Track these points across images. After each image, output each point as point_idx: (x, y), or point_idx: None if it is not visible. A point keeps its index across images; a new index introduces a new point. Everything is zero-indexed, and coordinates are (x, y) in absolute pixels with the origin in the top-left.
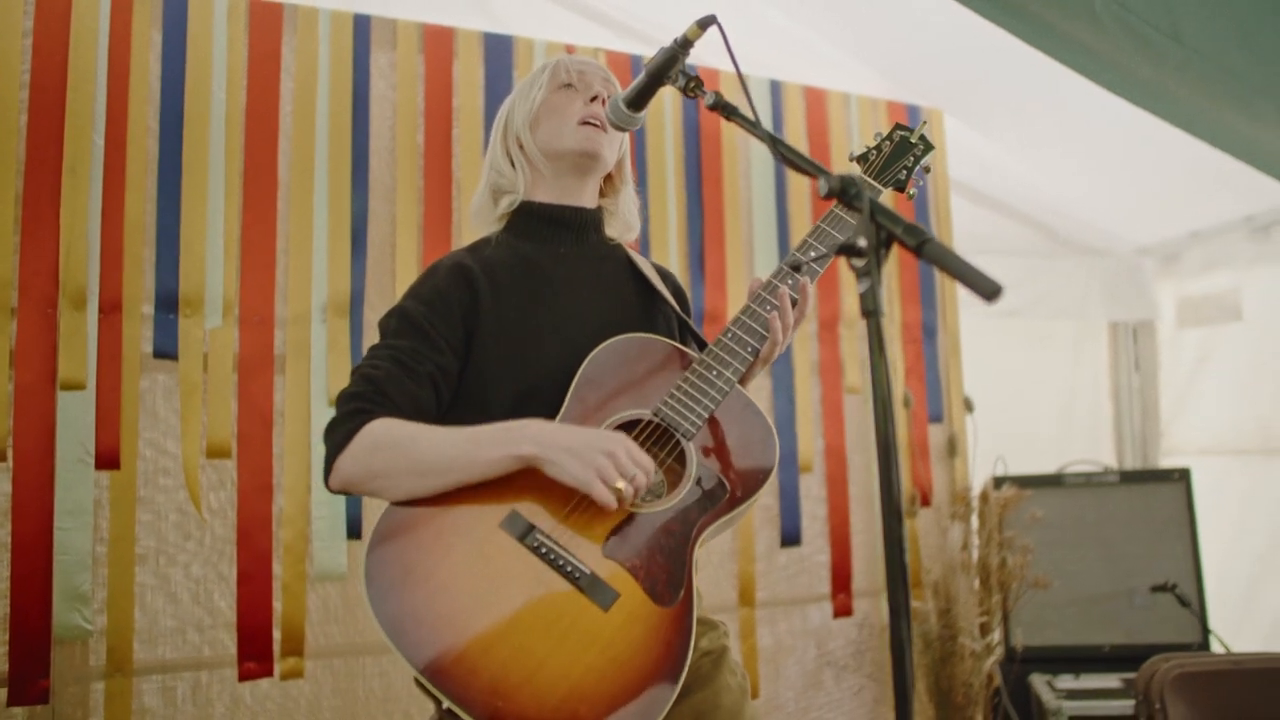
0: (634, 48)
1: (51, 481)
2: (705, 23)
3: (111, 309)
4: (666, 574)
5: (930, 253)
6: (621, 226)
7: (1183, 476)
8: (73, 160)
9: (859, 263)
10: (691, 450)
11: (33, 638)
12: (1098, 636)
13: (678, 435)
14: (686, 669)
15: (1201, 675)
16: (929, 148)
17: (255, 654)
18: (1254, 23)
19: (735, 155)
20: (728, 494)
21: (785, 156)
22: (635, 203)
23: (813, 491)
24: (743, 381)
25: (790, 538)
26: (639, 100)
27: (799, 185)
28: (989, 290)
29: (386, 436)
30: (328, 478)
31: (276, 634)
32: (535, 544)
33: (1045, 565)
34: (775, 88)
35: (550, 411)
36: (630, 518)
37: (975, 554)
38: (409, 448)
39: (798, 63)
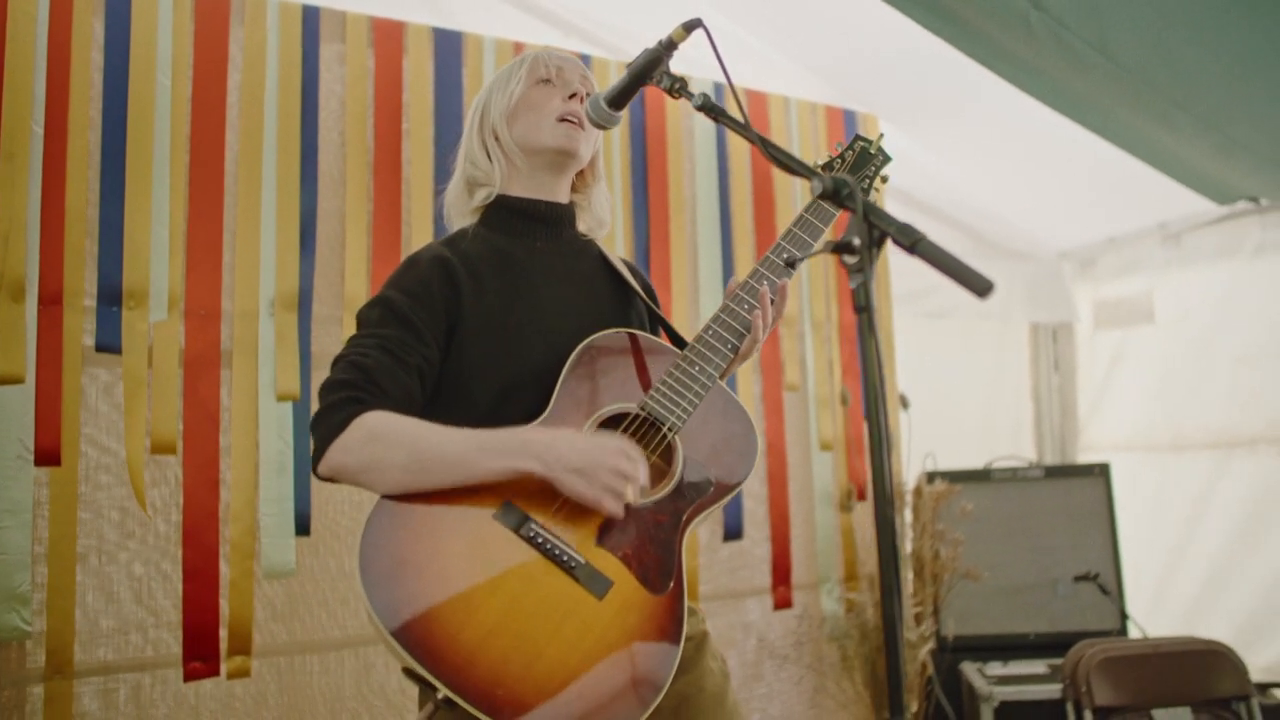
0: (582, 47)
1: None
2: (690, 25)
3: (51, 301)
4: (658, 563)
5: (924, 251)
6: (594, 222)
7: (1103, 471)
8: (10, 148)
9: (851, 260)
10: (678, 443)
11: None
12: (1024, 625)
13: (664, 428)
14: (679, 655)
15: (1123, 659)
16: (887, 159)
17: (201, 654)
18: (1175, 41)
19: (680, 154)
20: (713, 485)
21: (776, 158)
22: (608, 199)
23: (753, 488)
24: (721, 377)
25: (732, 532)
26: (620, 99)
27: (740, 185)
28: (982, 287)
29: (384, 430)
30: (316, 464)
31: (223, 633)
32: (530, 534)
33: (975, 557)
34: (718, 90)
35: (533, 406)
36: (624, 509)
37: (909, 546)
38: (407, 443)
39: (740, 66)
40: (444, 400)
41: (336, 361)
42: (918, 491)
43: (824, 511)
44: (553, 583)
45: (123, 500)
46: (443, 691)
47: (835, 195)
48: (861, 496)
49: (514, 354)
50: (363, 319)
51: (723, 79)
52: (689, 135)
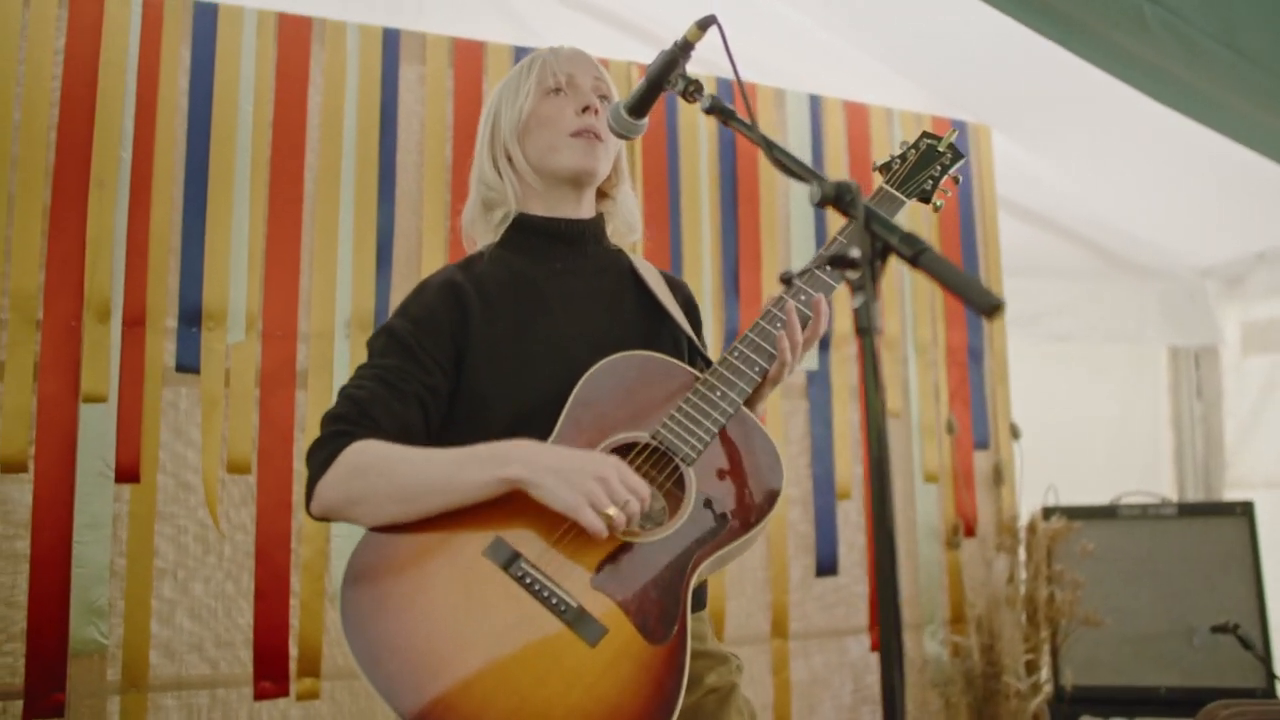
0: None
1: (71, 494)
2: (705, 23)
3: (135, 322)
4: (659, 608)
5: (927, 263)
6: (623, 227)
7: (1245, 510)
8: (100, 174)
9: (853, 275)
10: (691, 476)
11: (49, 651)
12: (1153, 678)
13: (677, 460)
14: (678, 711)
15: None
16: (958, 157)
17: (271, 673)
18: None
19: (772, 171)
20: (729, 523)
21: (780, 161)
22: (634, 200)
23: (851, 519)
24: (751, 403)
25: (826, 567)
26: (641, 107)
27: None
28: (988, 305)
29: (365, 459)
30: (309, 504)
31: (293, 653)
32: (519, 573)
33: (1097, 601)
34: (815, 102)
35: (540, 436)
36: (623, 547)
37: (1022, 588)
38: (388, 471)
39: (839, 77)
40: (461, 428)
41: (338, 395)
42: (1031, 528)
43: (928, 548)
44: (541, 627)
45: (201, 518)
46: None
47: (836, 201)
48: (970, 533)
49: (527, 382)
50: (369, 348)
51: (819, 91)
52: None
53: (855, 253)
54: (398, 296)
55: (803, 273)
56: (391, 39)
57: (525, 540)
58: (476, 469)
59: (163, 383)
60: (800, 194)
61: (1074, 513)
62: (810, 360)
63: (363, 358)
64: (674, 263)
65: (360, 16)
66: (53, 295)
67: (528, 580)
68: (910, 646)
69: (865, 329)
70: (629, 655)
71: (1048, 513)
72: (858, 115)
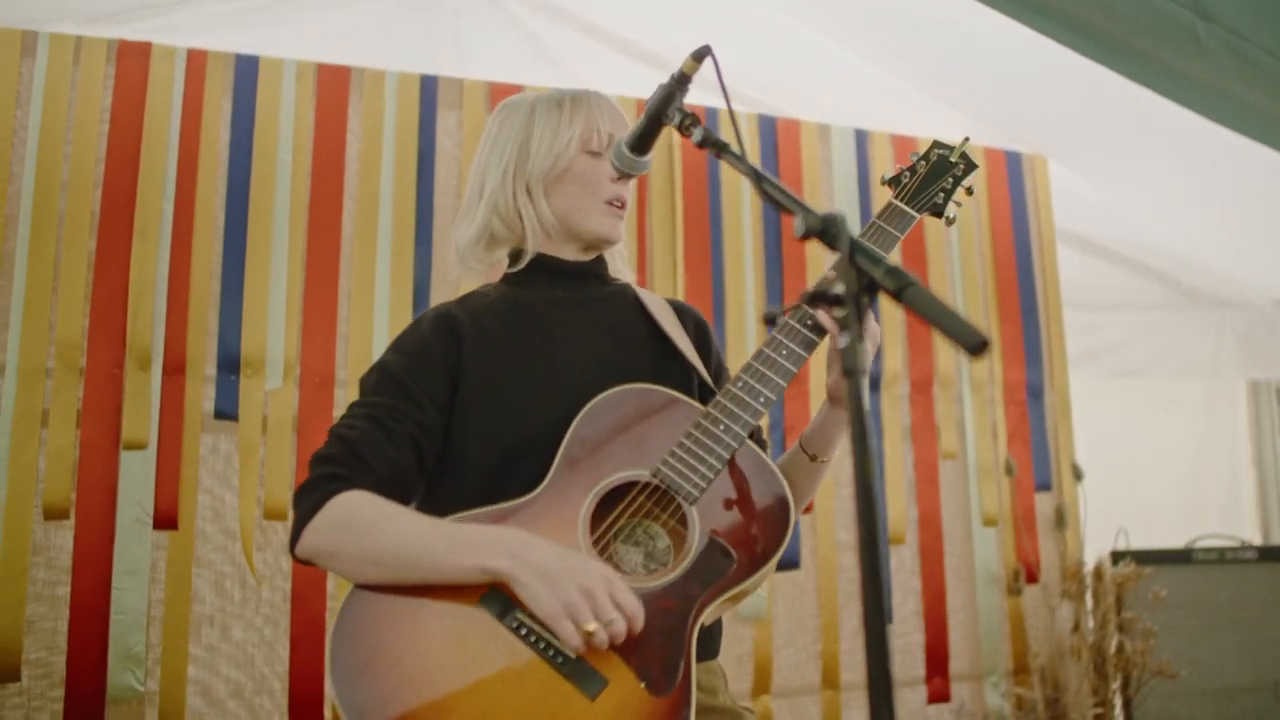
0: (703, 99)
1: (111, 540)
2: (700, 54)
3: (175, 370)
4: (662, 658)
5: (911, 299)
6: (619, 260)
7: None
8: (143, 226)
9: (839, 314)
10: (695, 515)
11: (87, 696)
12: None
13: (679, 499)
14: None
15: None
16: (971, 167)
17: None
18: None
19: (817, 199)
20: (734, 565)
21: (768, 194)
22: (624, 246)
23: (906, 564)
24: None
25: None
26: (642, 144)
27: None
28: (973, 342)
29: (351, 516)
30: (294, 546)
31: (329, 700)
32: (515, 624)
33: (1172, 652)
34: (860, 137)
35: (534, 475)
36: None
37: (1089, 637)
38: (373, 533)
39: (887, 111)
40: (445, 467)
41: (329, 432)
42: (1098, 574)
43: (988, 594)
44: (538, 681)
45: (239, 565)
46: None
47: (821, 234)
48: (1032, 579)
49: (520, 413)
50: (361, 385)
51: (865, 126)
52: (825, 182)
53: (840, 289)
54: None
55: (791, 308)
56: (429, 85)
57: None
58: (462, 554)
59: (201, 429)
60: (851, 226)
61: (1144, 557)
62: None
63: None
64: (716, 302)
65: (398, 64)
66: (95, 344)
67: (523, 631)
68: (971, 699)
69: (850, 370)
70: (631, 708)
71: (1116, 557)
72: (905, 149)
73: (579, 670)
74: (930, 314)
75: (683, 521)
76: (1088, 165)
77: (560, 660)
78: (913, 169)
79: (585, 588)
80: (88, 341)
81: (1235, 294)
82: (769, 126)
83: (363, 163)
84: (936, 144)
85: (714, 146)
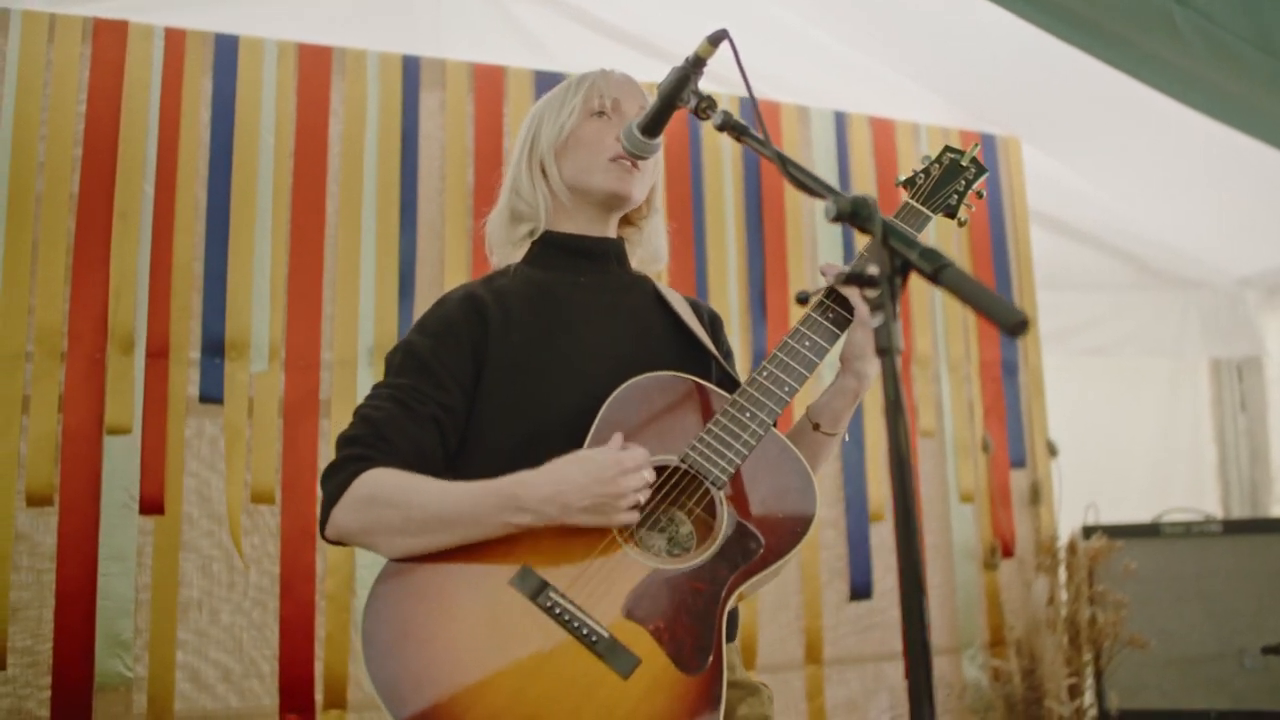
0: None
1: (96, 527)
2: (716, 39)
3: (159, 354)
4: (694, 637)
5: (948, 280)
6: (648, 257)
7: None
8: (123, 207)
9: (872, 294)
10: (722, 500)
11: (74, 684)
12: (1203, 701)
13: (707, 483)
14: None
15: None
16: (981, 171)
17: (297, 706)
18: None
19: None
20: (761, 549)
21: (795, 177)
22: (663, 231)
23: (885, 541)
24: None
25: (860, 590)
26: (654, 126)
27: None
28: (1012, 321)
29: (381, 490)
30: (323, 527)
31: (319, 684)
32: (548, 603)
33: (1142, 622)
34: (840, 119)
35: (558, 455)
36: (655, 574)
37: (1063, 610)
38: (401, 503)
39: (864, 93)
40: (468, 449)
41: (354, 413)
42: (1072, 548)
43: (965, 569)
44: (572, 659)
45: (226, 549)
46: None
47: (853, 217)
48: (1008, 553)
49: (542, 398)
50: (386, 364)
51: (844, 108)
52: (805, 164)
53: (874, 270)
54: None
55: (824, 290)
56: (411, 66)
57: (553, 568)
58: (491, 512)
59: (186, 414)
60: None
61: (1115, 531)
62: None
63: None
64: (699, 284)
65: (380, 45)
66: (77, 328)
67: (557, 610)
68: (949, 671)
69: (885, 349)
70: (663, 687)
71: (1088, 532)
72: (884, 131)
73: (612, 649)
74: (968, 294)
75: (707, 508)
76: (1060, 148)
77: (594, 639)
78: (926, 171)
79: (619, 493)
80: (68, 326)
81: (1200, 275)
82: (745, 109)
83: (346, 144)
84: (949, 148)
85: (734, 130)
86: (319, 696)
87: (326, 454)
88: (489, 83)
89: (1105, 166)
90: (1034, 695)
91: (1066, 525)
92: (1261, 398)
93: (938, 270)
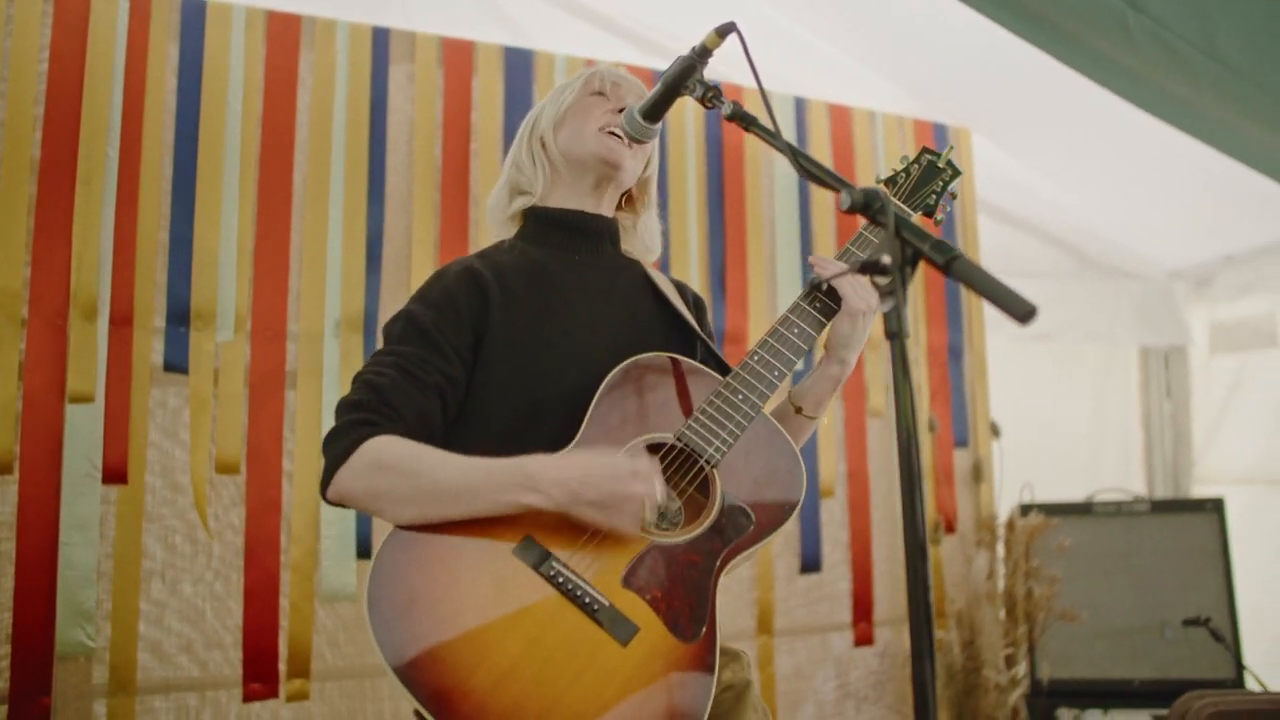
0: (657, 63)
1: (58, 495)
2: (724, 30)
3: (122, 321)
4: (689, 607)
5: (959, 270)
6: (640, 248)
7: (1216, 506)
8: (87, 172)
9: (883, 282)
10: (716, 478)
11: (35, 654)
12: (1127, 670)
13: (702, 461)
14: (709, 708)
15: (1237, 714)
16: (956, 173)
17: (260, 675)
18: None
19: (758, 172)
20: (752, 524)
21: (806, 169)
22: (657, 227)
23: (835, 517)
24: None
25: (810, 564)
26: (655, 112)
27: (823, 203)
28: (1022, 311)
29: (391, 457)
30: (325, 488)
31: (283, 654)
32: (551, 573)
33: (1073, 596)
34: (800, 104)
35: (559, 433)
36: (652, 547)
37: (1001, 583)
38: (411, 472)
39: (823, 79)
40: (465, 421)
41: (354, 380)
42: (1010, 525)
43: None
44: (573, 626)
45: (190, 519)
46: None
47: (865, 208)
48: (950, 529)
49: (541, 374)
50: (386, 333)
51: (803, 94)
52: (768, 152)
53: (887, 259)
54: (387, 296)
55: (835, 277)
56: (381, 38)
57: (556, 539)
58: (500, 490)
59: (151, 383)
60: (786, 195)
61: (1051, 510)
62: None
63: (353, 358)
64: (662, 264)
65: (349, 15)
66: (38, 294)
67: (559, 579)
68: (893, 641)
69: (895, 333)
70: (660, 654)
71: (1025, 510)
72: (841, 118)
73: (612, 617)
74: (978, 284)
75: (701, 486)
76: (1008, 139)
77: (595, 607)
78: (906, 171)
79: (629, 495)
80: (29, 291)
81: (1134, 266)
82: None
83: (314, 114)
84: (925, 149)
85: (743, 121)
86: (282, 666)
87: (292, 424)
88: (458, 57)
89: (1051, 159)
90: (972, 665)
91: (1006, 503)
92: (1185, 385)
93: (949, 261)
